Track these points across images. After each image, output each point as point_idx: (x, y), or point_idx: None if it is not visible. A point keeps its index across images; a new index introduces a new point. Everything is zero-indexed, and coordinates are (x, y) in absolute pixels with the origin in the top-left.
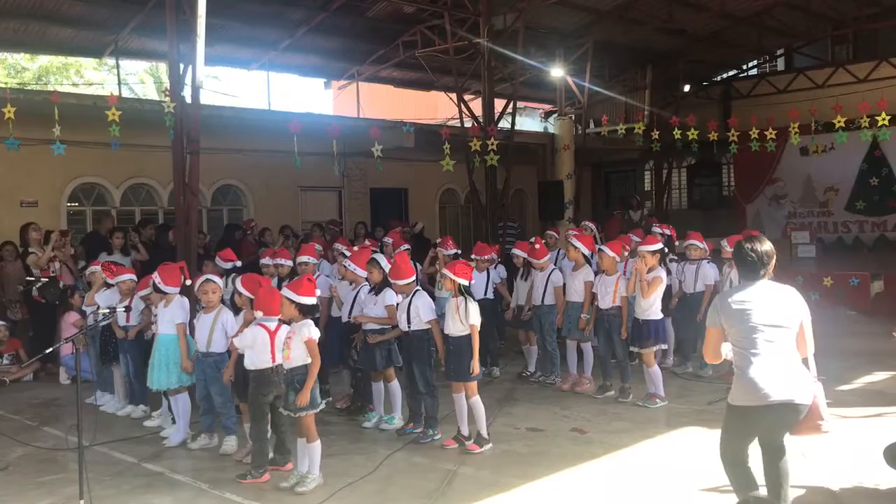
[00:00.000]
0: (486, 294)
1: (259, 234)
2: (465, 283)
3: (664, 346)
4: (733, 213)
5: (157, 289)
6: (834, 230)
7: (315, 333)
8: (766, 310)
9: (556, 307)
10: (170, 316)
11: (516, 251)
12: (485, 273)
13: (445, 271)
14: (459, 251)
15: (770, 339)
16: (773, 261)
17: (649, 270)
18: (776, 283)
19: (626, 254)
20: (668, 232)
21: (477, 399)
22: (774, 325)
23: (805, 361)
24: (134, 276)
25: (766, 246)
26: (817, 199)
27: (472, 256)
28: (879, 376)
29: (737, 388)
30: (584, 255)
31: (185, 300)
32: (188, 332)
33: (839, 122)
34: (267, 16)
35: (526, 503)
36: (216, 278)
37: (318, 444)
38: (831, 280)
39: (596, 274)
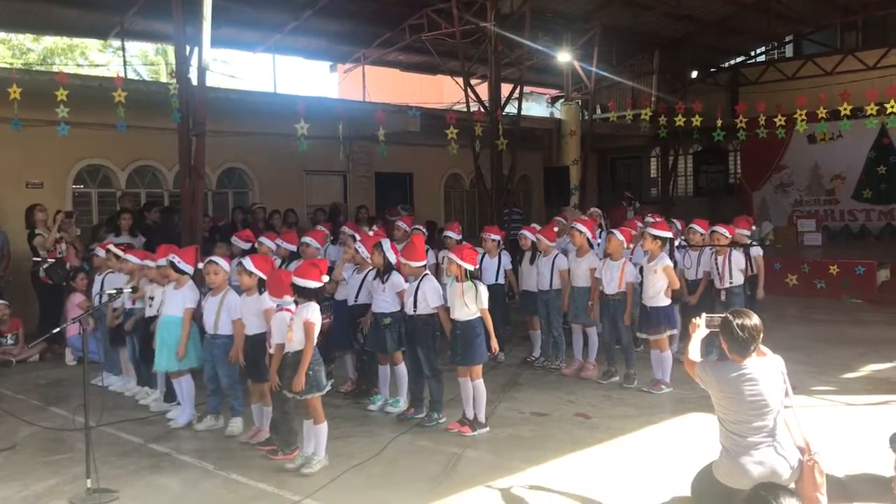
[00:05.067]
0: (497, 279)
1: (268, 216)
2: (471, 267)
3: (675, 331)
4: (739, 201)
5: (175, 268)
6: (840, 218)
7: (314, 316)
8: (756, 393)
9: (562, 292)
10: (180, 299)
11: (525, 233)
12: (496, 258)
13: (451, 255)
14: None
15: (760, 424)
16: (761, 335)
17: (652, 258)
18: (763, 356)
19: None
20: (655, 219)
21: (480, 383)
22: (764, 409)
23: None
24: (139, 259)
25: (755, 320)
26: (824, 187)
27: (483, 235)
28: (885, 364)
29: (723, 468)
30: (588, 240)
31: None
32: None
33: (845, 109)
34: None
35: (530, 486)
36: (220, 260)
37: (324, 426)
38: (837, 268)
39: (601, 259)
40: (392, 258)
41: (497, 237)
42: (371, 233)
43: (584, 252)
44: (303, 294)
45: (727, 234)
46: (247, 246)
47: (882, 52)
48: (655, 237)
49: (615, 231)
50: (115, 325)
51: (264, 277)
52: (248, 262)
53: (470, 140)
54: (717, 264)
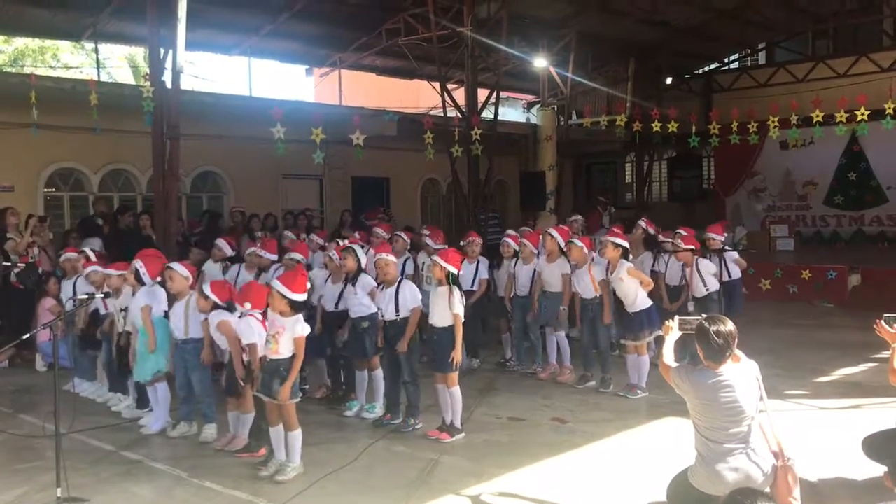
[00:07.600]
0: (472, 286)
1: (247, 220)
2: (455, 271)
3: (660, 333)
4: (713, 206)
5: (137, 277)
6: (812, 224)
7: (306, 330)
8: (732, 400)
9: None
10: (138, 302)
11: (507, 240)
12: (474, 265)
13: (436, 258)
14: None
15: (736, 431)
16: (736, 341)
17: (613, 269)
18: (738, 362)
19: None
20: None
21: (456, 390)
22: (740, 416)
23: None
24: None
25: (729, 326)
26: (796, 193)
27: (470, 240)
28: (857, 368)
29: (699, 474)
30: (559, 247)
31: (158, 288)
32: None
33: (817, 116)
34: (248, 1)
35: (507, 492)
36: (177, 265)
37: (298, 433)
38: (809, 273)
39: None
40: (363, 261)
41: (477, 240)
42: (345, 242)
43: (555, 258)
44: (294, 307)
45: (682, 244)
46: (231, 252)
47: (853, 59)
48: (617, 245)
49: (574, 240)
50: (81, 330)
51: (221, 303)
52: (206, 287)
53: (447, 145)
54: (685, 274)
